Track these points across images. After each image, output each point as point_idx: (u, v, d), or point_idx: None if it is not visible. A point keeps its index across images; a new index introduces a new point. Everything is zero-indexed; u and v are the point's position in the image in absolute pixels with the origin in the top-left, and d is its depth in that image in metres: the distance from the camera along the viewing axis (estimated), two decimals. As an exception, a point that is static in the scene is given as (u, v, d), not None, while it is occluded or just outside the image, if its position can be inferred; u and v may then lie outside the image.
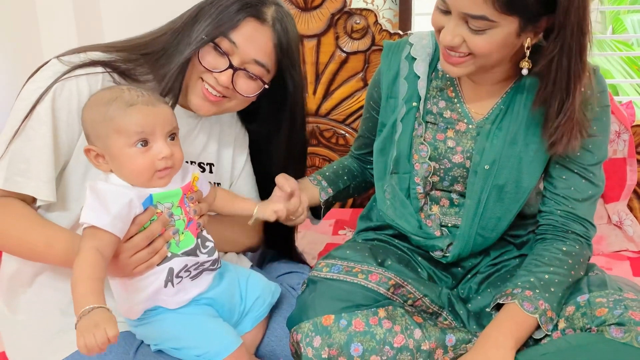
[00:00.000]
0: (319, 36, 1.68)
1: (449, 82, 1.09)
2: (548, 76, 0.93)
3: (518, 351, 0.92)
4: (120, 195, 0.83)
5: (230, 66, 0.96)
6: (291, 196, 1.06)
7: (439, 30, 0.95)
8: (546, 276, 0.96)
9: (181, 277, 0.90)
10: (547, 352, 0.90)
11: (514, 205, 1.04)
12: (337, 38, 1.67)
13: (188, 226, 0.91)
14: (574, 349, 0.88)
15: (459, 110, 1.07)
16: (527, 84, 1.01)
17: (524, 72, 0.96)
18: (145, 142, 0.85)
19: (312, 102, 1.76)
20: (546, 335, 0.93)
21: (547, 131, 0.98)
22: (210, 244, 0.93)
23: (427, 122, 1.09)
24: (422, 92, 1.08)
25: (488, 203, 1.04)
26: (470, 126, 1.06)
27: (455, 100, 1.08)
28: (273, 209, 0.99)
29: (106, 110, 0.84)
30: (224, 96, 0.99)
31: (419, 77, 1.08)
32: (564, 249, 1.00)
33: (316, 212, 1.22)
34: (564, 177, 1.03)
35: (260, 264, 1.31)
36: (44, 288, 0.99)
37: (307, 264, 1.36)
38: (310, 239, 1.62)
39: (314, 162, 1.82)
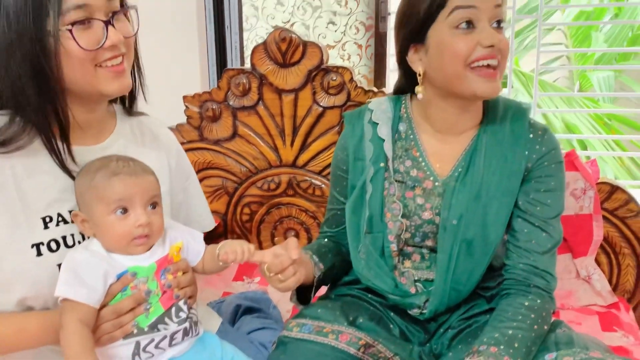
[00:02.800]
0: (296, 91, 1.72)
1: (412, 142, 1.13)
2: None
3: None
4: (96, 267, 0.86)
5: (106, 22, 0.86)
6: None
7: (467, 54, 0.98)
8: (510, 331, 0.97)
9: (150, 352, 0.90)
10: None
11: (484, 259, 1.06)
12: (314, 93, 1.72)
13: (160, 298, 0.91)
14: (542, 409, 0.88)
15: (425, 168, 1.11)
16: (484, 140, 1.07)
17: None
18: (124, 210, 0.88)
19: (289, 154, 1.79)
20: None
21: None
22: (183, 314, 0.92)
23: (396, 180, 1.12)
24: (389, 153, 1.11)
25: (459, 257, 1.06)
26: (436, 183, 1.10)
27: (420, 159, 1.12)
28: (226, 249, 0.93)
29: (92, 179, 0.88)
30: (123, 55, 0.91)
31: (383, 140, 1.12)
32: (527, 303, 1.02)
33: (300, 296, 1.17)
34: (525, 230, 1.06)
35: (232, 320, 1.30)
36: None
37: (280, 319, 1.36)
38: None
39: (291, 213, 1.84)
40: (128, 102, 1.07)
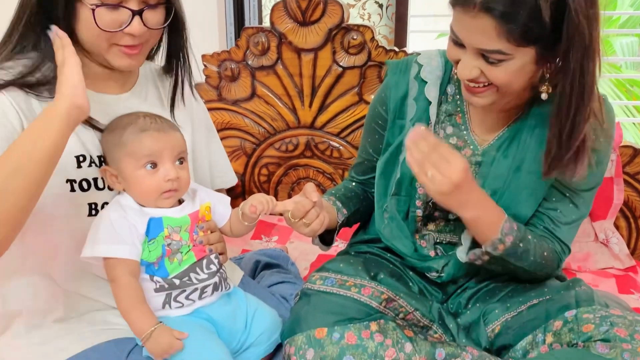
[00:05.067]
0: (316, 50, 1.70)
1: (458, 109, 1.09)
2: (556, 102, 0.93)
3: None
4: (131, 225, 0.90)
5: (134, 13, 0.87)
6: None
7: (455, 62, 0.95)
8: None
9: (180, 302, 0.93)
10: (535, 366, 0.92)
11: None
12: (334, 53, 1.70)
13: (192, 249, 0.94)
14: (561, 364, 0.89)
15: (466, 138, 1.08)
16: (536, 112, 1.01)
17: (544, 96, 0.96)
18: (154, 165, 0.91)
19: (307, 115, 1.78)
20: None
21: (551, 158, 0.97)
22: (213, 267, 0.96)
23: None
24: (433, 118, 1.07)
25: None
26: (476, 152, 1.07)
27: (463, 127, 1.08)
28: (251, 202, 0.96)
29: (121, 135, 0.91)
30: (144, 42, 0.93)
31: (429, 102, 1.08)
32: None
33: (323, 239, 1.16)
34: (554, 198, 1.04)
35: (252, 275, 1.32)
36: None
37: (299, 275, 1.38)
38: (302, 249, 1.63)
39: (308, 174, 1.84)
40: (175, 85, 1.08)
